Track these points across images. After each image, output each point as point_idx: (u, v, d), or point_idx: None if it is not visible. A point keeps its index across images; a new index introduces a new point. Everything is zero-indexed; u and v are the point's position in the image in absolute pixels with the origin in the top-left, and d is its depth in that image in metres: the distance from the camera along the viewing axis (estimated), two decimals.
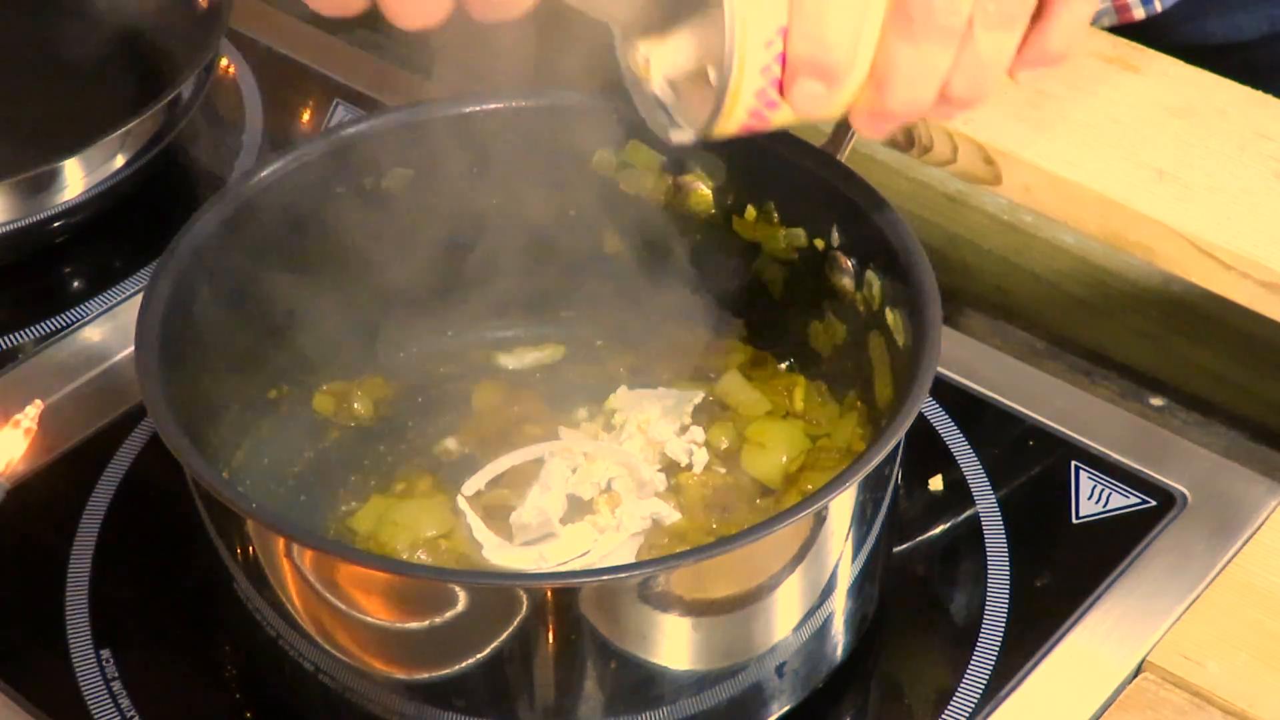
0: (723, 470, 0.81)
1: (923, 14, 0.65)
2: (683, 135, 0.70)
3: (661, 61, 0.70)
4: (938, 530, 0.83)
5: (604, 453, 0.82)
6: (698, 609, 0.69)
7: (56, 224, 0.96)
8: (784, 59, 0.65)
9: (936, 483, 0.84)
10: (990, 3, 0.66)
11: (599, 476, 0.81)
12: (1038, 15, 0.68)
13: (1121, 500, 0.84)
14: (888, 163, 0.97)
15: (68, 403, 0.89)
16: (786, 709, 0.74)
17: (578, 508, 0.80)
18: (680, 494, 0.81)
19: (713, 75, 0.67)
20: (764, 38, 0.65)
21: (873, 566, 0.75)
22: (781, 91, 0.66)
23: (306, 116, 1.07)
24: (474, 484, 0.81)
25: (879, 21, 0.66)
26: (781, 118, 0.68)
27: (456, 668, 0.69)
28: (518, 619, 0.67)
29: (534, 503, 0.79)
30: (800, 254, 0.81)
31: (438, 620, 0.68)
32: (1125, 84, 0.89)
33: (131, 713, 0.76)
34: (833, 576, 0.72)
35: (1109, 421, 0.87)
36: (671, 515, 0.79)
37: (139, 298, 0.74)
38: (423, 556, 0.78)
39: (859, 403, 0.81)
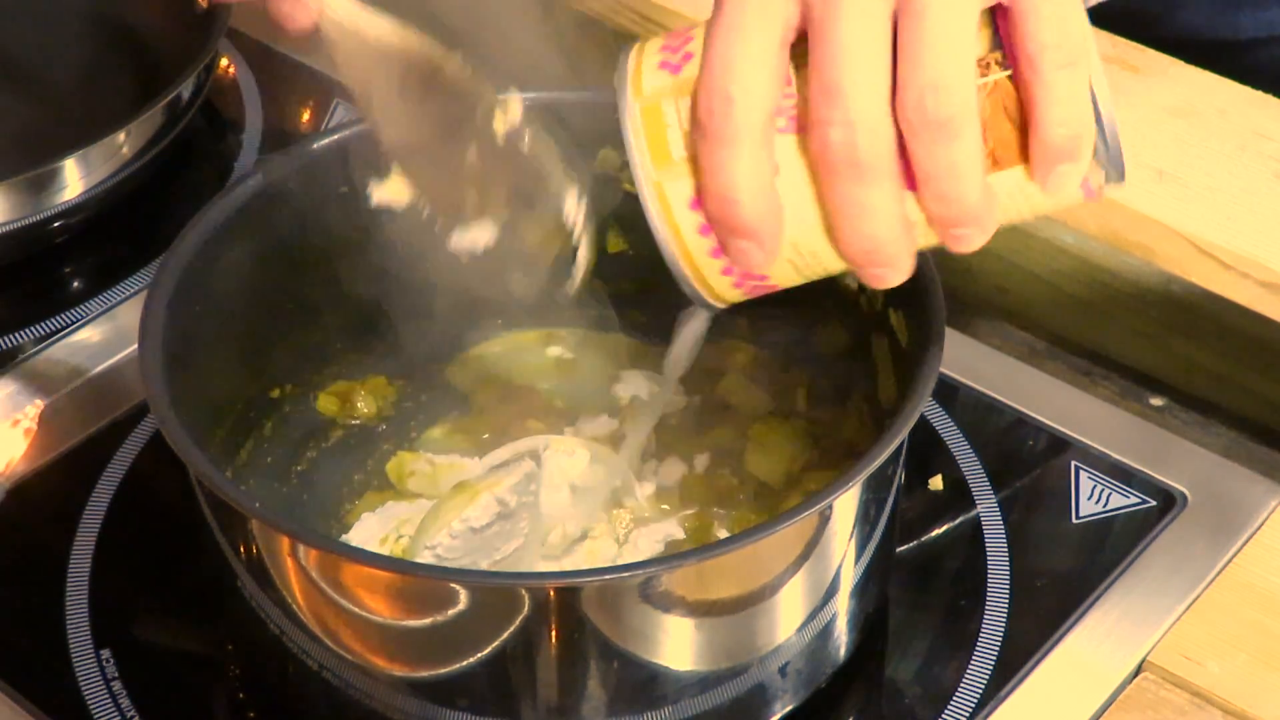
0: (725, 470, 0.82)
1: (836, 159, 0.58)
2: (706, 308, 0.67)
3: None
4: (938, 530, 0.83)
5: (601, 454, 0.82)
6: (701, 609, 0.69)
7: (56, 224, 0.96)
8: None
9: (937, 483, 0.84)
10: (911, 113, 0.57)
11: (601, 471, 0.81)
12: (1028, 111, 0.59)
13: (1121, 500, 0.84)
14: None
15: (68, 403, 0.89)
16: (789, 709, 0.74)
17: (585, 497, 0.80)
18: (683, 494, 0.81)
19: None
20: (685, 199, 0.62)
21: (876, 567, 0.75)
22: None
23: (306, 116, 1.07)
24: (468, 475, 0.81)
25: (801, 168, 0.60)
26: (782, 278, 0.65)
27: (460, 666, 0.69)
28: (520, 618, 0.67)
29: (546, 505, 0.79)
30: None
31: (441, 619, 0.68)
32: (1125, 84, 0.90)
33: (131, 713, 0.76)
34: (836, 577, 0.72)
35: (1109, 421, 0.87)
36: (679, 533, 0.79)
37: (139, 298, 0.75)
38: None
39: (862, 403, 0.81)
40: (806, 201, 0.61)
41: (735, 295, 0.66)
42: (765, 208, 0.60)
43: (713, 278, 0.64)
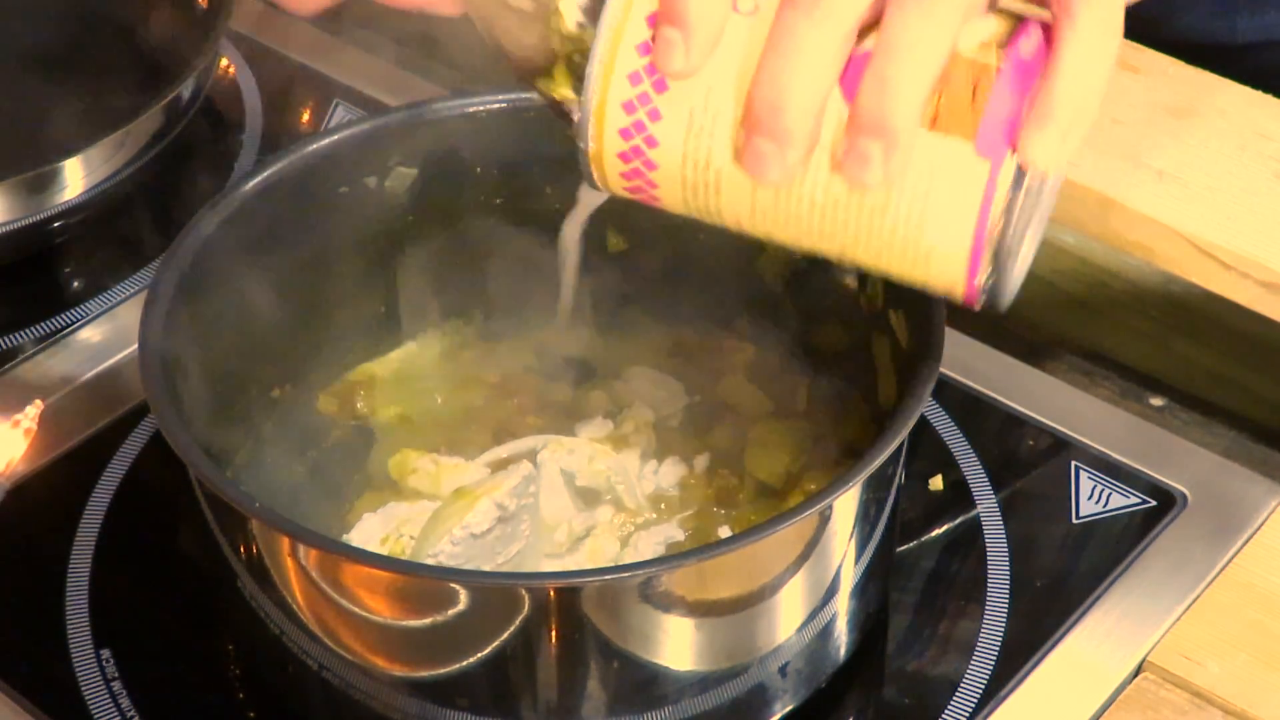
0: (725, 470, 0.82)
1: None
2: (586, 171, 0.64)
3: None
4: (938, 530, 0.83)
5: (600, 454, 0.82)
6: (700, 609, 0.69)
7: (56, 224, 0.96)
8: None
9: (937, 483, 0.84)
10: None
11: (600, 471, 0.81)
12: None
13: (1121, 500, 0.84)
14: None
15: (68, 403, 0.89)
16: (789, 709, 0.74)
17: (589, 499, 0.80)
18: (683, 494, 0.81)
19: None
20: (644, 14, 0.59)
21: (876, 567, 0.75)
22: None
23: (306, 116, 1.07)
24: (471, 475, 0.81)
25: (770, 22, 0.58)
26: (665, 189, 0.63)
27: (460, 666, 0.69)
28: (520, 618, 0.67)
29: (546, 507, 0.79)
30: (803, 254, 0.81)
31: (441, 619, 0.68)
32: (1125, 84, 0.90)
33: (131, 713, 0.76)
34: (836, 577, 0.72)
35: (1109, 421, 0.87)
36: (680, 535, 0.79)
37: (139, 298, 0.74)
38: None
39: (862, 403, 0.81)
40: (751, 57, 0.58)
41: (616, 183, 0.63)
42: (712, 11, 0.58)
43: (608, 135, 0.61)
